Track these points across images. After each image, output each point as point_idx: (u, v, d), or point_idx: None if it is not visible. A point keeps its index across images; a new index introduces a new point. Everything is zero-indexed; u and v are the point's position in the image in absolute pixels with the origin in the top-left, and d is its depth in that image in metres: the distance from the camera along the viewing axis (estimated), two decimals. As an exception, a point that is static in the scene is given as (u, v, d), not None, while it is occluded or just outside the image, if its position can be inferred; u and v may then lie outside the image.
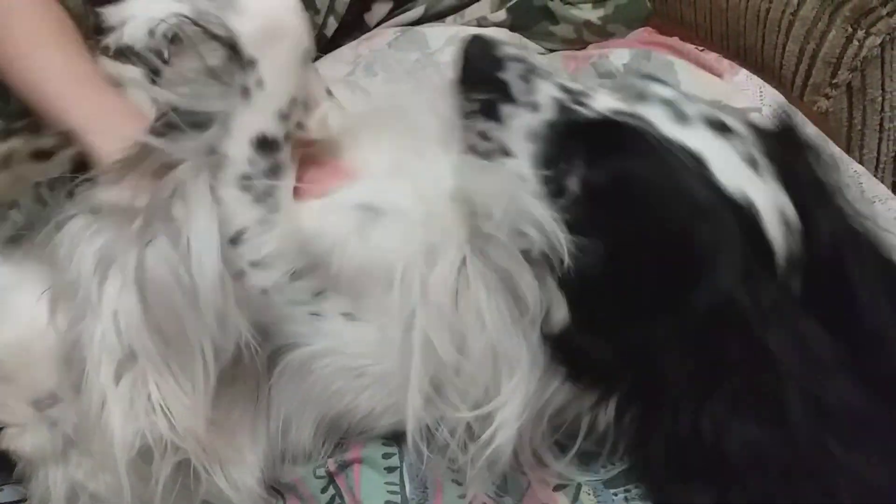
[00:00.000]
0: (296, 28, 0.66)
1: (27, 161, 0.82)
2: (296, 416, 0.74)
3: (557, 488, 0.73)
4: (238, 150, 0.66)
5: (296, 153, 0.70)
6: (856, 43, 1.05)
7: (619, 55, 1.07)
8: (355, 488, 0.74)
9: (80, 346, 0.70)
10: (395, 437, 0.77)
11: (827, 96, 1.10)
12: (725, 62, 1.05)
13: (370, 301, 0.70)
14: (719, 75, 1.03)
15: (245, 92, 0.66)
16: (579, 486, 0.73)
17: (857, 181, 0.97)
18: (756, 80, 1.04)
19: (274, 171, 0.67)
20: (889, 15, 1.05)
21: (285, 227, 0.68)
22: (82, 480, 0.75)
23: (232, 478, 0.73)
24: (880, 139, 1.10)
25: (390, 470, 0.74)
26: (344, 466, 0.75)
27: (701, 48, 1.08)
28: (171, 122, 0.67)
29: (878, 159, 1.11)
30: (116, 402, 0.70)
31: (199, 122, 0.67)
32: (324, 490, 0.75)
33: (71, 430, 0.74)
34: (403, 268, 0.68)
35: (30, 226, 0.79)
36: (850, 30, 1.05)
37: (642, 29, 1.15)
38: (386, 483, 0.74)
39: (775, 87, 1.08)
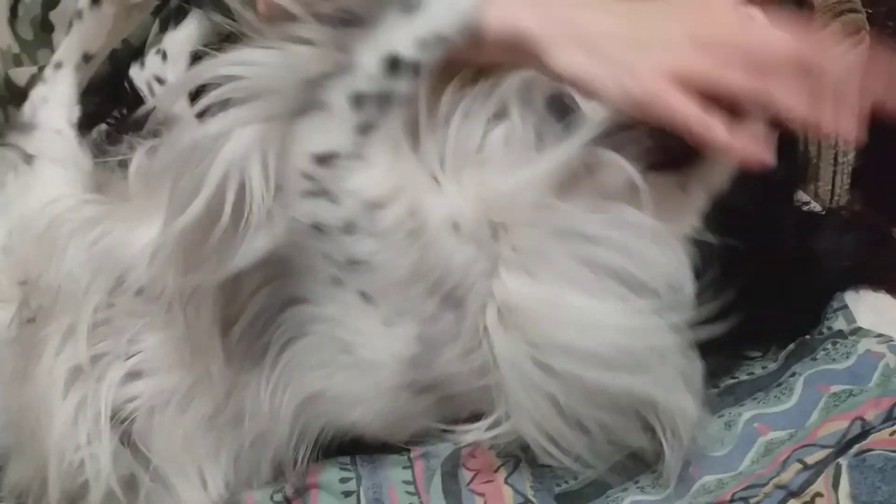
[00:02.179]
0: None
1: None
2: (280, 389, 0.71)
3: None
4: (367, 60, 0.62)
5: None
6: (811, 80, 1.09)
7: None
8: (312, 513, 0.74)
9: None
10: (353, 460, 0.78)
11: (782, 130, 1.13)
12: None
13: (398, 295, 0.68)
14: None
15: (406, 6, 0.62)
16: None
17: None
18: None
19: (386, 101, 0.63)
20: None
21: (373, 173, 0.64)
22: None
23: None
24: (835, 172, 1.14)
25: (347, 494, 0.75)
26: (301, 492, 0.75)
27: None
28: (322, 14, 0.65)
29: (832, 191, 1.15)
30: (57, 417, 0.71)
31: (344, 19, 0.64)
32: (281, 515, 0.75)
33: (30, 312, 0.75)
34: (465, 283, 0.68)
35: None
36: (805, 67, 1.09)
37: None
38: (343, 508, 0.75)
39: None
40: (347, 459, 0.79)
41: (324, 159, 0.63)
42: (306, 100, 0.63)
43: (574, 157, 0.67)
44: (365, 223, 0.65)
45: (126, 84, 1.00)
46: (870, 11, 1.19)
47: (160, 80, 0.98)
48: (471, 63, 0.69)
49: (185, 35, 0.99)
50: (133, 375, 0.72)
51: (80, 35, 0.90)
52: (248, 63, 0.64)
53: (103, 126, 0.99)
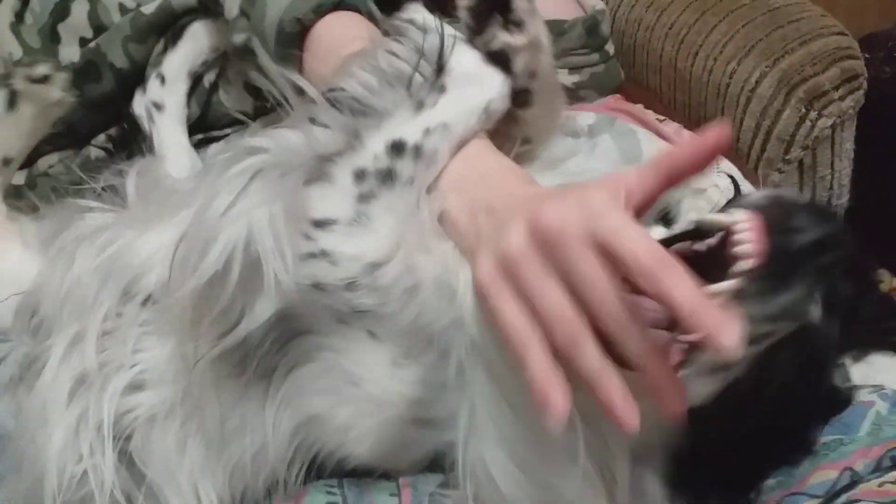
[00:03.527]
0: (496, 89, 0.71)
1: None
2: (284, 405, 0.72)
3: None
4: (374, 144, 0.68)
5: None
6: (808, 123, 1.11)
7: (585, 117, 1.10)
8: (299, 540, 0.74)
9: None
10: (340, 483, 0.78)
11: (779, 171, 1.15)
12: (686, 133, 1.09)
13: (405, 340, 0.69)
14: (678, 146, 1.06)
15: (419, 105, 0.70)
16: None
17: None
18: (713, 152, 1.08)
19: (388, 177, 0.68)
20: (841, 99, 1.10)
21: (374, 238, 0.68)
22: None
23: None
24: (828, 215, 1.16)
25: (335, 521, 0.75)
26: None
27: (662, 118, 1.12)
28: (337, 99, 0.71)
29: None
30: (59, 427, 0.69)
31: (358, 109, 0.70)
32: (266, 541, 0.74)
33: (8, 376, 0.75)
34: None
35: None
36: (803, 111, 1.10)
37: (610, 95, 1.19)
38: (331, 534, 0.74)
39: (732, 159, 1.12)
40: (334, 482, 0.78)
41: (322, 224, 0.67)
42: (315, 172, 0.68)
43: None
44: (366, 281, 0.67)
45: (130, 109, 1.00)
46: (868, 56, 1.22)
47: (158, 106, 0.99)
48: None
49: (181, 56, 0.99)
50: (135, 387, 0.72)
51: None
52: (273, 138, 0.69)
53: (100, 152, 1.00)
